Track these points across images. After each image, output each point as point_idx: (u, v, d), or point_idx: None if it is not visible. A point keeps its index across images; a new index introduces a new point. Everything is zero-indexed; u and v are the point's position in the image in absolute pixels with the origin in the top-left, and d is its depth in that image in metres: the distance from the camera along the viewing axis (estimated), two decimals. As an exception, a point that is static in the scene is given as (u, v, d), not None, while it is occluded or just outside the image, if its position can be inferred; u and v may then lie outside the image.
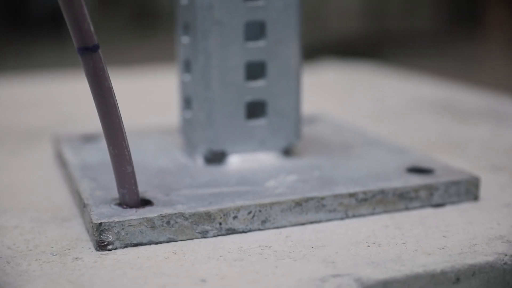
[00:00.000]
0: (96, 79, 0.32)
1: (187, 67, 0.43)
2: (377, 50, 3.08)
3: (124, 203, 0.35)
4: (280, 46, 0.41)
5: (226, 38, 0.40)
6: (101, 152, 0.45)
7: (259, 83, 0.42)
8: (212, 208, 0.34)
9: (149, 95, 0.76)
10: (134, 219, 0.33)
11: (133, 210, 0.34)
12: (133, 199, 0.35)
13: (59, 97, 0.76)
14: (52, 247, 0.33)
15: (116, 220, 0.33)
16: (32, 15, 3.96)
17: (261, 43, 0.41)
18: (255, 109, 0.43)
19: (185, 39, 0.43)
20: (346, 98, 0.76)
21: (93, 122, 0.61)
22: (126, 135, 0.34)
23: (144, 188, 0.37)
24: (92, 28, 0.32)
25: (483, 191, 0.40)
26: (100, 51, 0.32)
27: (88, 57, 0.32)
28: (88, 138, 0.49)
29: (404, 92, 0.77)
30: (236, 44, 0.40)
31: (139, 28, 4.20)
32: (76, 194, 0.38)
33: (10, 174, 0.46)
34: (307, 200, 0.36)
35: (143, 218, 0.33)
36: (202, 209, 0.34)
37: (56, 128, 0.59)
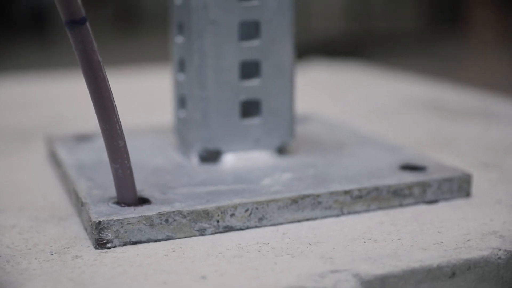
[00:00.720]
0: (85, 53, 0.32)
1: (181, 66, 0.43)
2: (361, 50, 3.10)
3: (117, 179, 0.35)
4: (274, 46, 0.42)
5: (220, 37, 0.41)
6: (95, 151, 0.45)
7: (254, 82, 0.42)
8: (210, 206, 0.35)
9: (138, 96, 0.76)
10: (133, 217, 0.34)
11: (132, 208, 0.35)
12: (126, 173, 0.35)
13: (49, 98, 0.76)
14: (51, 246, 0.34)
15: (115, 218, 0.33)
16: (14, 16, 3.94)
17: (255, 43, 0.41)
18: (249, 108, 0.43)
19: (179, 39, 0.43)
20: (335, 97, 0.76)
21: (85, 122, 0.61)
22: (117, 110, 0.34)
23: (141, 187, 0.37)
24: (79, 0, 0.31)
25: (474, 187, 0.41)
26: (88, 24, 0.32)
27: (76, 31, 0.31)
28: (82, 138, 0.49)
29: (392, 91, 0.77)
30: (230, 44, 0.41)
31: (122, 30, 4.19)
32: (73, 193, 0.39)
33: (4, 174, 0.46)
34: (303, 197, 0.36)
35: (141, 216, 0.34)
36: (199, 207, 0.35)
37: (47, 128, 0.59)
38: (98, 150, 0.45)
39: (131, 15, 4.48)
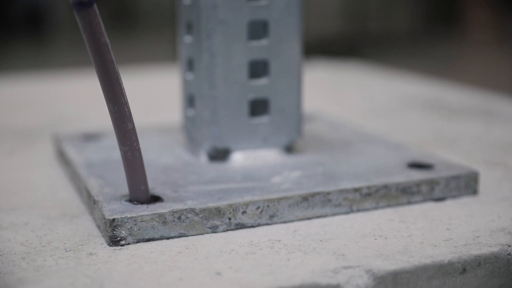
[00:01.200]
0: (92, 35, 0.32)
1: (190, 66, 0.44)
2: (357, 50, 3.10)
3: (126, 161, 0.35)
4: (282, 45, 0.42)
5: (230, 37, 0.41)
6: (104, 150, 0.46)
7: (262, 81, 0.42)
8: (222, 203, 0.35)
9: (137, 95, 0.76)
10: (146, 215, 0.34)
11: (144, 206, 0.35)
12: (135, 155, 0.35)
13: (48, 98, 0.76)
14: (65, 243, 0.34)
15: (129, 215, 0.34)
16: (9, 16, 3.94)
17: (264, 42, 0.42)
18: (257, 107, 0.43)
19: (187, 38, 0.43)
20: (335, 96, 0.77)
21: (87, 121, 0.61)
22: (125, 92, 0.33)
23: (152, 185, 0.38)
24: None
25: (480, 185, 0.41)
26: (95, 6, 0.32)
27: (83, 13, 0.31)
28: (89, 137, 0.49)
29: (392, 91, 0.78)
30: (239, 43, 0.41)
31: (118, 30, 4.19)
32: (84, 191, 0.39)
33: (12, 173, 0.46)
34: (313, 195, 0.37)
35: (155, 213, 0.34)
36: (212, 204, 0.35)
37: (50, 128, 0.59)
38: (106, 149, 0.46)
39: (127, 15, 4.48)
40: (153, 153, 0.45)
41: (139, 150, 0.35)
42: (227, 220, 0.35)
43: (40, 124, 0.61)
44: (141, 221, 0.34)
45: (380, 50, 3.21)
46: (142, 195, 0.35)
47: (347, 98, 0.76)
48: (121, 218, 0.33)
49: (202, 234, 0.35)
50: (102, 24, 0.32)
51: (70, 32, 3.91)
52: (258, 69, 0.42)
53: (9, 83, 0.85)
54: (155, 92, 0.78)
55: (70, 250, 0.33)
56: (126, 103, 0.34)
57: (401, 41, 3.57)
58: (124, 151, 0.35)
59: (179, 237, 0.35)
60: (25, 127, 0.60)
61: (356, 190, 0.38)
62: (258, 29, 0.42)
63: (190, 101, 0.44)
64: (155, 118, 0.59)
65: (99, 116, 0.65)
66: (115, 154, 0.44)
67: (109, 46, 0.33)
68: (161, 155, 0.44)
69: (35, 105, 0.71)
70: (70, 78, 0.88)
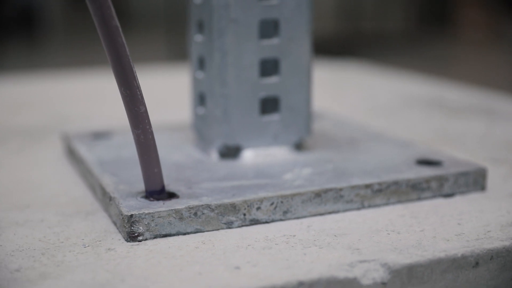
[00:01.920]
0: (103, 19, 0.32)
1: (200, 64, 0.44)
2: (352, 50, 3.11)
3: (139, 144, 0.35)
4: (292, 44, 0.43)
5: (241, 36, 0.41)
6: (114, 148, 0.46)
7: (273, 79, 0.43)
8: (237, 199, 0.36)
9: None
10: (163, 211, 0.34)
11: (161, 202, 0.35)
12: (148, 138, 0.35)
13: (48, 97, 0.76)
14: (83, 239, 0.34)
15: (146, 211, 0.34)
16: (1, 15, 3.93)
17: (274, 41, 0.42)
18: (267, 105, 0.44)
19: (198, 37, 0.44)
20: (336, 96, 0.77)
21: (89, 121, 0.62)
22: (136, 75, 0.34)
23: (165, 182, 0.38)
24: None
25: (487, 182, 0.42)
26: None
27: None
28: (98, 135, 0.49)
29: (393, 90, 0.78)
30: (251, 42, 0.42)
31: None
32: (99, 188, 0.39)
33: (23, 171, 0.47)
34: (326, 191, 0.37)
35: (171, 209, 0.35)
36: (227, 200, 0.36)
37: (53, 127, 0.60)
38: (116, 147, 0.46)
39: (119, 16, 4.48)
40: (163, 151, 0.45)
41: (151, 133, 0.35)
42: (242, 216, 0.36)
43: (42, 124, 0.62)
44: (158, 217, 0.34)
45: (374, 50, 3.23)
46: (155, 177, 0.36)
47: (348, 97, 0.76)
48: (138, 214, 0.34)
49: (218, 229, 0.35)
50: (112, 7, 0.32)
51: (64, 32, 3.91)
52: (268, 67, 0.43)
53: (6, 83, 0.85)
54: (156, 92, 0.79)
55: (88, 246, 0.33)
56: (138, 87, 0.34)
57: (395, 40, 3.59)
58: (137, 134, 0.35)
59: (195, 232, 0.35)
60: (28, 127, 0.61)
61: (367, 186, 0.38)
62: (269, 28, 0.43)
63: (200, 99, 0.45)
64: (159, 117, 0.59)
65: (100, 115, 0.65)
66: (126, 152, 0.45)
67: (120, 29, 0.32)
68: (171, 152, 0.45)
69: (35, 105, 0.72)
70: (68, 78, 0.89)
